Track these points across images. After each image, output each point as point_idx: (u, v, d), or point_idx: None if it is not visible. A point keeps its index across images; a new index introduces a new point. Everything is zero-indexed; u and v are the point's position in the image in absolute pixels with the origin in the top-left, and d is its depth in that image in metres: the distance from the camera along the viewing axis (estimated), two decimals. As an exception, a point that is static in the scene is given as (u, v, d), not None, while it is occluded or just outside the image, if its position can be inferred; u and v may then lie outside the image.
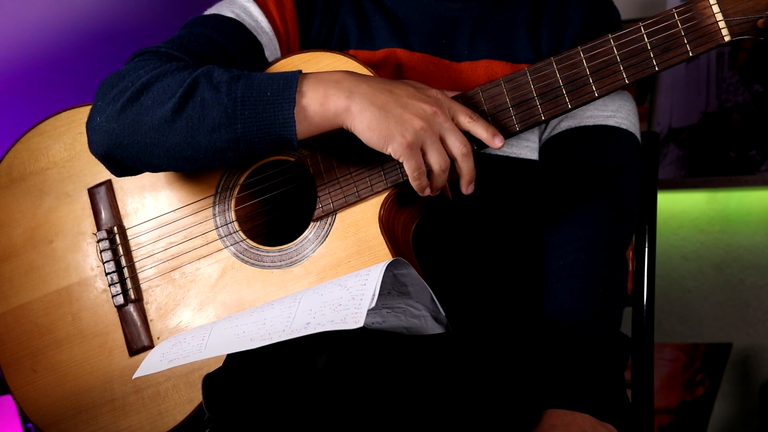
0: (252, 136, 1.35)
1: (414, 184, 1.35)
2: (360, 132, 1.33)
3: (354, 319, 1.17)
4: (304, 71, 1.38)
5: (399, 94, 1.34)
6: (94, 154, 1.47)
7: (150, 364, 1.33)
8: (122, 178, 1.58)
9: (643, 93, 2.67)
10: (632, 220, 1.57)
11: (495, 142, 1.36)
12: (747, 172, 2.49)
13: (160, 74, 1.40)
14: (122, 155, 1.43)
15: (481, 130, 1.36)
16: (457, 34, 1.59)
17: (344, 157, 1.46)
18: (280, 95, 1.34)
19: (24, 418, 2.10)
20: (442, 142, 1.34)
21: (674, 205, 2.64)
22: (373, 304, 1.19)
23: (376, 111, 1.32)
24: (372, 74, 1.45)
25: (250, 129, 1.35)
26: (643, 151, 1.70)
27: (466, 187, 1.37)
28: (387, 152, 1.33)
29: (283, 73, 1.37)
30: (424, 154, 1.34)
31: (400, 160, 1.33)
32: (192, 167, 1.42)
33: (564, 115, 1.55)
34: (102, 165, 1.53)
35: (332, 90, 1.34)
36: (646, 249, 1.79)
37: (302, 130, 1.35)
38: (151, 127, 1.38)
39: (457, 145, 1.34)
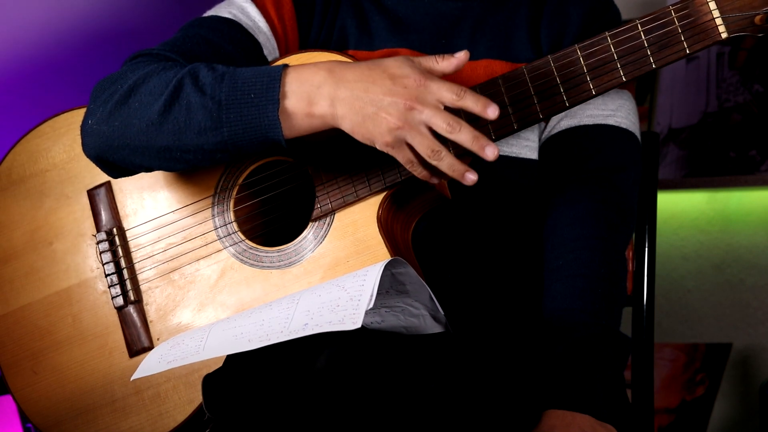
0: (239, 138, 1.35)
1: (416, 174, 1.34)
2: (350, 132, 1.34)
3: (352, 321, 1.17)
4: None
5: (374, 92, 1.32)
6: (87, 157, 1.47)
7: (148, 365, 1.34)
8: (121, 180, 1.58)
9: (643, 93, 2.67)
10: (632, 219, 1.57)
11: (488, 113, 1.31)
12: (747, 172, 2.49)
13: (147, 75, 1.41)
14: (114, 157, 1.44)
15: (471, 104, 1.31)
16: (457, 33, 1.59)
17: (343, 155, 1.46)
18: (263, 96, 1.34)
19: (24, 418, 2.10)
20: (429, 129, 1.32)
21: (674, 205, 2.64)
22: (371, 305, 1.19)
23: (355, 116, 1.32)
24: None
25: (236, 132, 1.35)
26: (643, 151, 1.70)
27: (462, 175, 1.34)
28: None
29: (266, 69, 1.37)
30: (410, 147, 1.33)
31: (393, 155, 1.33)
32: (184, 167, 1.42)
33: (564, 114, 1.55)
34: (100, 166, 1.53)
35: (315, 96, 1.33)
36: (646, 249, 1.79)
37: (290, 132, 1.35)
38: (139, 129, 1.39)
39: (442, 127, 1.31)
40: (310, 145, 1.47)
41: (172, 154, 1.40)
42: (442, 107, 1.31)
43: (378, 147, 1.32)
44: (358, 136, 1.33)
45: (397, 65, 1.33)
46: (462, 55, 1.34)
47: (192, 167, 1.43)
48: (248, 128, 1.34)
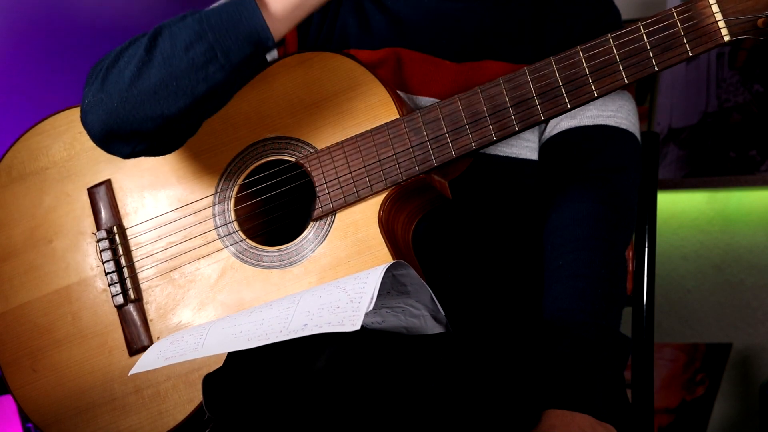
0: (225, 39, 1.37)
1: None
2: None
3: (351, 322, 1.17)
4: (302, 72, 1.38)
5: None
6: (94, 140, 1.46)
7: (146, 361, 1.33)
8: (122, 178, 1.58)
9: (643, 93, 2.67)
10: (632, 220, 1.57)
11: None
12: (747, 172, 2.49)
13: (131, 42, 1.44)
14: (118, 122, 1.42)
15: None
16: (458, 34, 1.59)
17: (345, 155, 1.46)
18: None
19: (24, 418, 2.09)
20: None
21: (674, 205, 2.64)
22: (371, 308, 1.19)
23: None
24: (371, 75, 1.45)
25: (220, 33, 1.37)
26: (643, 151, 1.70)
27: None
28: None
29: None
30: None
31: None
32: (185, 101, 1.40)
33: (564, 115, 1.55)
34: (102, 164, 1.53)
35: None
36: (646, 249, 1.79)
37: (274, 21, 1.38)
38: (132, 76, 1.40)
39: None
40: (312, 145, 1.47)
41: (168, 87, 1.39)
42: None
43: None
44: None
45: None
46: None
47: (192, 97, 1.40)
48: (230, 26, 1.37)
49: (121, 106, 1.41)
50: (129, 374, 1.37)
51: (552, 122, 1.57)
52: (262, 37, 1.37)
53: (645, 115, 2.66)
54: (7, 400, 2.10)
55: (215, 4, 1.43)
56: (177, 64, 1.38)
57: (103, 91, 1.42)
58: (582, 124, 1.56)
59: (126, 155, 1.49)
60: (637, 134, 1.60)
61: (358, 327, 1.17)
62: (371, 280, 1.22)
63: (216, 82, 1.39)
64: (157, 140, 1.46)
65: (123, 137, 1.45)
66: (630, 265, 1.80)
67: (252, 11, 1.36)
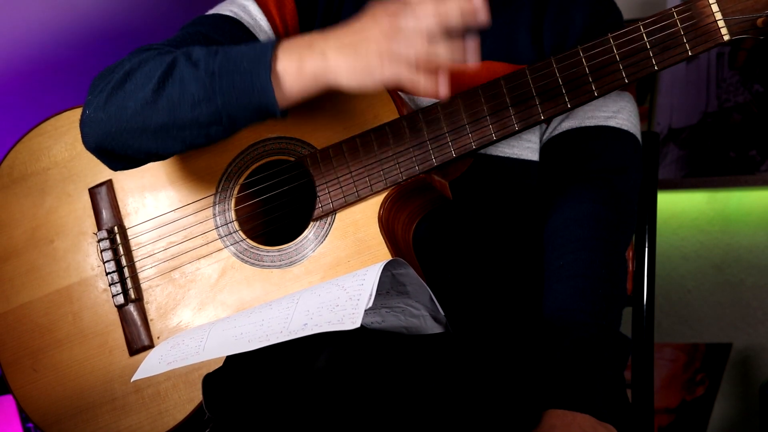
0: (232, 107, 1.35)
1: (421, 92, 1.32)
2: (346, 82, 1.32)
3: (351, 320, 1.17)
4: None
5: (363, 29, 1.31)
6: (87, 149, 1.47)
7: (149, 366, 1.34)
8: (123, 179, 1.58)
9: (643, 93, 2.67)
10: (632, 220, 1.57)
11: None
12: (747, 172, 2.49)
13: (143, 61, 1.42)
14: (112, 144, 1.43)
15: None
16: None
17: (345, 155, 1.46)
18: (256, 63, 1.34)
19: (24, 418, 2.10)
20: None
21: (674, 205, 2.64)
22: (370, 305, 1.19)
23: (348, 56, 1.31)
24: None
25: (229, 100, 1.35)
26: (643, 151, 1.70)
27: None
28: (378, 84, 1.31)
29: (259, 43, 1.37)
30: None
31: (396, 79, 1.31)
32: (181, 147, 1.41)
33: (565, 116, 1.55)
34: (103, 164, 1.53)
35: (306, 53, 1.33)
36: (646, 249, 1.79)
37: (284, 97, 1.35)
38: (135, 111, 1.39)
39: (431, 19, 1.29)
40: (311, 145, 1.47)
41: (168, 133, 1.39)
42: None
43: (379, 79, 1.31)
44: (355, 76, 1.31)
45: (377, 5, 1.33)
46: None
47: (190, 146, 1.41)
48: (241, 95, 1.35)
49: (118, 134, 1.42)
50: (132, 380, 1.37)
51: (553, 123, 1.57)
52: (271, 111, 1.35)
53: (645, 115, 2.65)
54: (8, 400, 2.10)
55: (232, 48, 1.38)
56: (181, 116, 1.37)
57: (105, 111, 1.42)
58: (583, 125, 1.56)
59: (115, 170, 1.52)
60: (638, 135, 1.60)
61: (358, 324, 1.17)
62: (369, 277, 1.22)
63: (216, 139, 1.40)
64: (147, 163, 1.50)
65: (115, 157, 1.47)
66: (630, 265, 1.80)
67: (264, 86, 1.33)
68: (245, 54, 1.35)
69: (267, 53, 1.34)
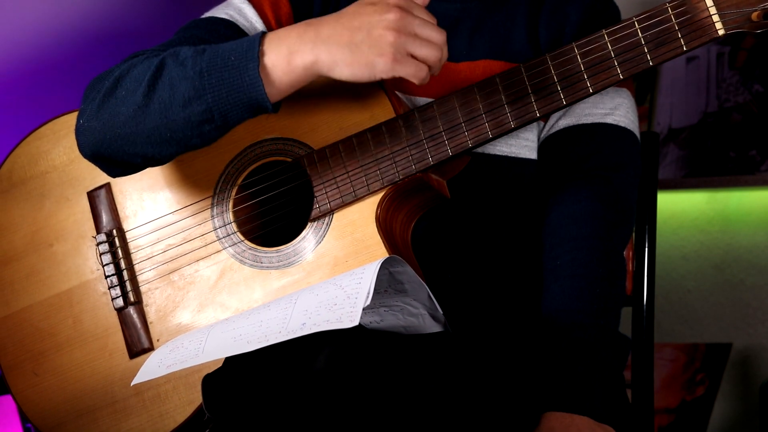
0: (223, 103, 1.35)
1: (420, 80, 1.33)
2: (341, 75, 1.32)
3: (349, 318, 1.17)
4: None
5: (359, 20, 1.31)
6: (83, 156, 1.48)
7: (148, 369, 1.34)
8: (121, 182, 1.58)
9: (643, 93, 2.67)
10: (630, 218, 1.57)
11: None
12: (747, 172, 2.49)
13: (131, 66, 1.42)
14: (108, 151, 1.44)
15: None
16: (456, 34, 1.59)
17: (341, 155, 1.46)
18: (243, 57, 1.34)
19: (24, 418, 2.10)
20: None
21: (674, 205, 2.64)
22: (368, 302, 1.19)
23: (345, 48, 1.31)
24: None
25: (219, 97, 1.35)
26: (643, 151, 1.70)
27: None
28: (378, 78, 1.32)
29: (246, 37, 1.37)
30: (413, 56, 1.32)
31: (397, 76, 1.32)
32: (177, 149, 1.41)
33: (562, 113, 1.55)
34: (100, 167, 1.53)
35: (296, 45, 1.33)
36: (646, 249, 1.79)
37: (274, 90, 1.34)
38: (127, 117, 1.39)
39: (434, 35, 1.32)
40: (308, 145, 1.48)
41: (162, 136, 1.39)
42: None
43: (380, 73, 1.31)
44: (353, 70, 1.31)
45: None
46: None
47: (185, 147, 1.41)
48: (231, 91, 1.34)
49: (113, 141, 1.42)
50: (132, 384, 1.37)
51: (550, 120, 1.57)
52: (262, 105, 1.35)
53: (645, 115, 2.66)
54: (7, 400, 2.10)
55: (219, 45, 1.39)
56: (173, 117, 1.37)
57: (98, 119, 1.42)
58: (581, 122, 1.56)
59: (113, 176, 1.52)
60: (637, 132, 1.60)
61: (356, 323, 1.17)
62: (367, 275, 1.22)
63: (210, 138, 1.39)
64: (144, 168, 1.50)
65: (112, 163, 1.47)
66: (630, 265, 1.80)
67: (253, 80, 1.33)
68: (233, 50, 1.35)
69: (254, 47, 1.34)
